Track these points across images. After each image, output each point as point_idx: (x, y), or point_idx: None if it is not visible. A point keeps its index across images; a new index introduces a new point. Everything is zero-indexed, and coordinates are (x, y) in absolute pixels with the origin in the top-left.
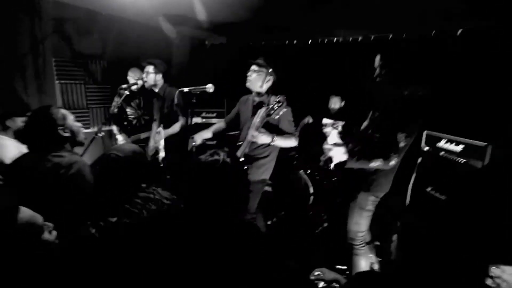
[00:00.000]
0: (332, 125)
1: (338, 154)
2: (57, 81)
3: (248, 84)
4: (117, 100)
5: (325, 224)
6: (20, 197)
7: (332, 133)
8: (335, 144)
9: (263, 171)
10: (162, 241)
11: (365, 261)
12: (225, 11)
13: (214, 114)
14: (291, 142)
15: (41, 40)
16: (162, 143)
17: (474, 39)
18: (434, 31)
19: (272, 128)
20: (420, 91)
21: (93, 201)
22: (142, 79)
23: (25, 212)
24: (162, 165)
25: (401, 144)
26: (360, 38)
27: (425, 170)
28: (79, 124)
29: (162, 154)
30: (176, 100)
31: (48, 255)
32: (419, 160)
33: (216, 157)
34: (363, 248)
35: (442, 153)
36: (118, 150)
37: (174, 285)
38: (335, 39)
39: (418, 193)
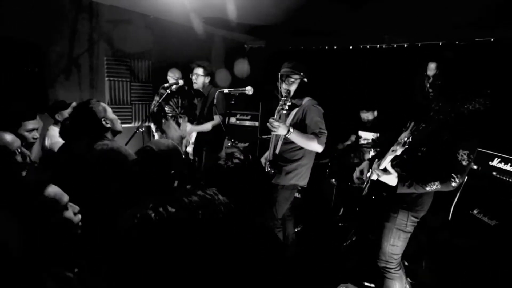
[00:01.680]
0: (392, 149)
1: (389, 180)
2: (106, 78)
3: (285, 94)
4: (157, 99)
5: (354, 238)
6: (68, 181)
7: (388, 158)
8: (385, 171)
9: (293, 176)
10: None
11: (400, 285)
12: (264, 13)
13: (249, 117)
14: (311, 143)
15: (96, 40)
16: (193, 136)
17: None
18: (492, 38)
19: (300, 126)
20: (480, 105)
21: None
22: (182, 79)
23: (53, 188)
24: (191, 158)
25: (464, 163)
26: (406, 45)
27: (471, 190)
28: (115, 116)
29: (190, 149)
30: (215, 100)
31: (67, 232)
32: (465, 178)
33: (235, 160)
34: (398, 271)
35: (494, 173)
36: (153, 144)
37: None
38: (378, 45)
39: (461, 214)
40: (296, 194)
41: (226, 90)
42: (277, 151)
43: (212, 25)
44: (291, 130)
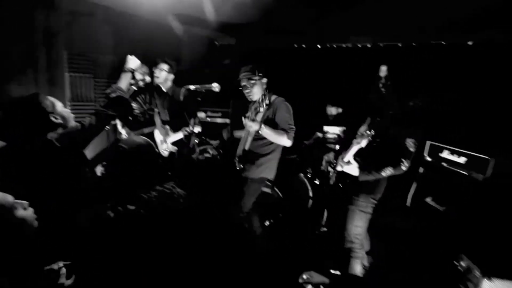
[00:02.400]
0: (356, 142)
1: (351, 171)
2: (67, 73)
3: (251, 99)
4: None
5: (324, 229)
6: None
7: (353, 149)
8: (349, 162)
9: (262, 170)
10: (167, 236)
11: (361, 266)
12: (235, 12)
13: (219, 114)
14: (281, 139)
15: (55, 33)
16: (170, 147)
17: (485, 50)
18: (445, 42)
19: (270, 123)
20: (422, 102)
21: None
22: (149, 75)
23: None
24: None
25: (411, 149)
26: (369, 45)
27: (426, 180)
28: (68, 110)
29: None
30: (181, 98)
31: (27, 230)
32: (421, 169)
33: (206, 154)
34: (362, 251)
35: (444, 164)
36: (126, 143)
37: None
38: (345, 45)
39: (418, 202)
40: (267, 190)
41: (192, 87)
42: (246, 147)
43: (183, 21)
44: (263, 126)
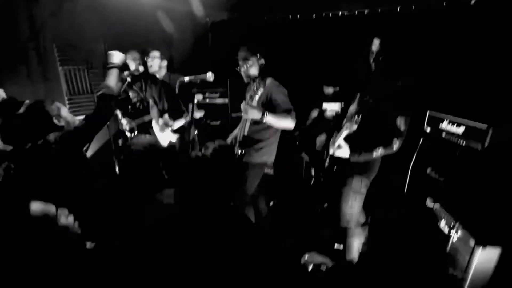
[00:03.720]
0: (345, 127)
1: (343, 154)
2: (60, 67)
3: (246, 79)
4: (119, 85)
5: (325, 205)
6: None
7: (342, 134)
8: (340, 146)
9: (262, 154)
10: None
11: (359, 242)
12: None
13: (218, 94)
14: (286, 122)
15: (41, 26)
16: (172, 136)
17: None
18: (445, 2)
19: (269, 108)
20: (411, 81)
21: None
22: (142, 64)
23: (37, 205)
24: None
25: (403, 128)
26: (366, 11)
27: (426, 151)
28: (73, 116)
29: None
30: (176, 90)
31: (70, 237)
32: (421, 141)
33: (206, 151)
34: (358, 229)
35: (443, 134)
36: (137, 145)
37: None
38: (340, 12)
39: (418, 174)
40: (268, 170)
41: (186, 79)
42: (245, 132)
43: (171, 1)
44: (266, 113)
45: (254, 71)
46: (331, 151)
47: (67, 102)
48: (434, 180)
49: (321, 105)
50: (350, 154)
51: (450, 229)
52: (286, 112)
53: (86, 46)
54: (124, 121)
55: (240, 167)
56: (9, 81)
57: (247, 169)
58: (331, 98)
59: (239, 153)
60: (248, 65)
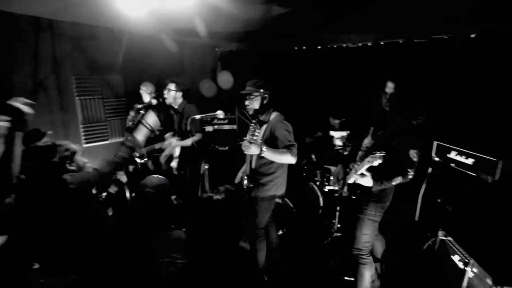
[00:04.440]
0: (368, 160)
1: (366, 182)
2: (77, 98)
3: (251, 113)
4: (132, 114)
5: (335, 234)
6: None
7: (365, 166)
8: (363, 175)
9: (270, 188)
10: None
11: (370, 271)
12: (234, 22)
13: (226, 121)
14: (284, 158)
15: (61, 60)
16: (177, 151)
17: (489, 43)
18: (448, 35)
19: (269, 142)
20: (423, 120)
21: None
22: (155, 98)
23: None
24: (176, 173)
25: (415, 159)
26: (370, 43)
27: (435, 180)
28: (85, 160)
29: (174, 164)
30: (188, 123)
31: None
32: (430, 170)
33: (216, 196)
34: (369, 258)
35: (452, 164)
36: (150, 187)
37: None
38: (344, 45)
39: (428, 203)
40: (278, 200)
41: (198, 117)
42: (253, 165)
43: (182, 34)
44: (264, 148)
45: (257, 105)
46: (351, 180)
47: (81, 130)
48: (445, 211)
49: (327, 133)
50: (373, 183)
51: (465, 264)
52: (286, 148)
53: (102, 78)
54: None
55: (250, 201)
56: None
57: (256, 203)
58: (338, 129)
59: (247, 187)
60: (251, 99)
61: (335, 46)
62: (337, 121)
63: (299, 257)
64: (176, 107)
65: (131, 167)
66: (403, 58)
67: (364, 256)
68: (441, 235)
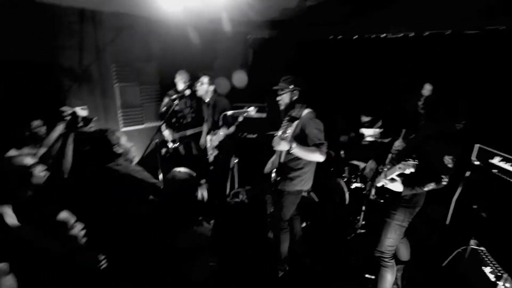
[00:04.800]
0: (399, 167)
1: (395, 187)
2: (116, 84)
3: (282, 108)
4: (166, 100)
5: (358, 231)
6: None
7: (396, 172)
8: (393, 180)
9: (297, 183)
10: None
11: (392, 274)
12: (269, 9)
13: (256, 109)
14: (313, 155)
15: (103, 49)
16: (215, 143)
17: None
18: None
19: (299, 139)
20: (459, 127)
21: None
22: (189, 87)
23: (64, 214)
24: (210, 161)
25: (450, 166)
26: (411, 34)
27: (472, 185)
28: (129, 144)
29: (212, 153)
30: (220, 122)
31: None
32: (468, 173)
33: (236, 199)
34: (391, 261)
35: (495, 170)
36: (171, 181)
37: None
38: (383, 35)
39: (462, 208)
40: (304, 194)
41: (229, 113)
42: (281, 159)
43: (216, 23)
44: (293, 145)
45: (287, 100)
46: (380, 184)
47: (120, 114)
48: (480, 218)
49: (358, 130)
50: (403, 188)
51: (497, 278)
52: (315, 146)
53: (139, 65)
54: (167, 132)
55: (277, 194)
56: (75, 97)
57: (282, 196)
58: (368, 126)
59: (275, 180)
60: (282, 95)
61: (372, 37)
62: (368, 119)
63: (321, 251)
64: (207, 100)
65: (163, 150)
66: (448, 52)
67: (386, 259)
68: (473, 243)
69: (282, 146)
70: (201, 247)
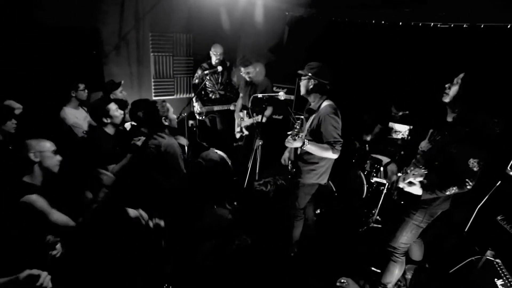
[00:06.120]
0: (416, 173)
1: (414, 191)
2: (151, 53)
3: (301, 94)
4: (199, 73)
5: (372, 225)
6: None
7: (411, 176)
8: (411, 183)
9: (313, 176)
10: None
11: (400, 270)
12: None
13: (285, 90)
14: (326, 153)
15: (142, 17)
16: (247, 123)
17: None
18: None
19: (315, 134)
20: (496, 124)
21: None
22: (222, 63)
23: (132, 211)
24: (240, 143)
25: (475, 169)
26: (466, 25)
27: (501, 196)
28: (175, 116)
29: (239, 130)
30: (249, 104)
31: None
32: (498, 183)
33: (263, 188)
34: (402, 257)
35: None
36: (205, 159)
37: None
38: (432, 24)
39: (484, 217)
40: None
41: (259, 95)
42: (298, 151)
43: None
44: (306, 143)
45: (303, 89)
46: (400, 185)
47: (153, 83)
48: (501, 230)
49: (387, 124)
50: (423, 192)
51: None
52: (329, 143)
53: (174, 36)
54: (196, 105)
55: (293, 185)
56: (113, 63)
57: (298, 187)
58: (399, 120)
59: (292, 171)
60: (302, 82)
61: (420, 25)
62: (400, 113)
63: (331, 239)
64: (248, 79)
65: (190, 122)
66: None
67: (397, 255)
68: (489, 254)
69: (295, 144)
70: (219, 229)
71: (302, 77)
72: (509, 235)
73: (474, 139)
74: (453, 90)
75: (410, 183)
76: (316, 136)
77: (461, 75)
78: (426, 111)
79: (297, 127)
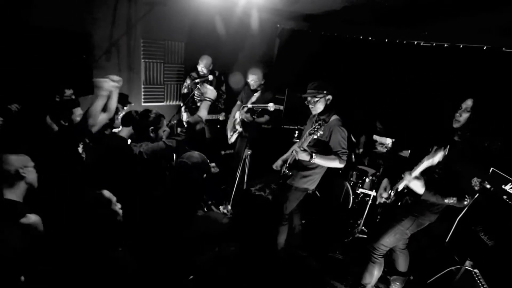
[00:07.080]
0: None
1: (416, 187)
2: (142, 59)
3: (314, 112)
4: (188, 82)
5: (357, 235)
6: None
7: (423, 165)
8: (418, 178)
9: (306, 181)
10: None
11: (379, 271)
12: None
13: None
14: (333, 163)
15: (134, 23)
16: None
17: None
18: None
19: (322, 144)
20: (496, 144)
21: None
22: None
23: (107, 192)
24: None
25: (476, 188)
26: (446, 45)
27: (478, 207)
28: (167, 131)
29: (230, 137)
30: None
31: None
32: (476, 195)
33: (262, 193)
34: (380, 259)
35: (504, 197)
36: (187, 158)
37: None
38: (416, 42)
39: (463, 228)
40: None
41: (250, 106)
42: (297, 157)
43: (248, 8)
44: (314, 156)
45: (320, 107)
46: (400, 186)
47: (143, 90)
48: (479, 241)
49: (371, 136)
50: (424, 191)
51: None
52: (336, 154)
53: (166, 43)
54: (184, 114)
55: (283, 187)
56: (102, 70)
57: (289, 191)
58: (383, 133)
59: (287, 174)
60: (314, 101)
61: (404, 42)
62: (382, 127)
63: (316, 247)
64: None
65: (179, 129)
66: (484, 70)
67: (375, 256)
68: (468, 264)
69: (302, 156)
70: (214, 233)
71: (316, 98)
72: (486, 246)
73: (480, 160)
74: (464, 117)
75: (417, 178)
76: (321, 146)
77: (470, 103)
78: (409, 125)
79: (316, 134)
